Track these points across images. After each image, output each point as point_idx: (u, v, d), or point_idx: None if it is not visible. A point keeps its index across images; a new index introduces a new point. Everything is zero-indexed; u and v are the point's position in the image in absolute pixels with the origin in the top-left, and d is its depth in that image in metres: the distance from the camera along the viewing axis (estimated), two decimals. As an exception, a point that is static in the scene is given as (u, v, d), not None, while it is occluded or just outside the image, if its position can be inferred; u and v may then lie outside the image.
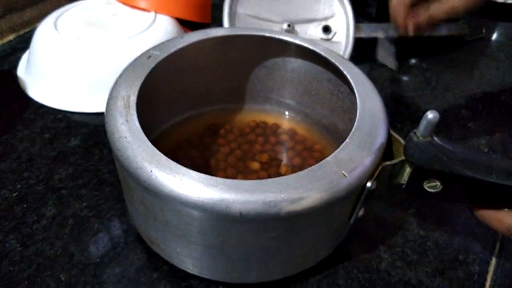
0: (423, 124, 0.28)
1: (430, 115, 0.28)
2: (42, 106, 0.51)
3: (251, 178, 0.39)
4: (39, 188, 0.42)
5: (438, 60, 0.66)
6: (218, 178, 0.26)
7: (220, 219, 0.26)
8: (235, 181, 0.26)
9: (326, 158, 0.28)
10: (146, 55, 0.35)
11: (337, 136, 0.42)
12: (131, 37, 0.51)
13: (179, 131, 0.44)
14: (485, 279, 0.37)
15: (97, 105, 0.51)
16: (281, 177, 0.26)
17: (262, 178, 0.34)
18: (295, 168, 0.40)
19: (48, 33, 0.51)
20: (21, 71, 0.56)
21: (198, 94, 0.44)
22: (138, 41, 0.51)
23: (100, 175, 0.43)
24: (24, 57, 0.58)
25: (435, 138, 0.29)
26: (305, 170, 0.27)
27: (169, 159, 0.27)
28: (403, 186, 0.32)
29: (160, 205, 0.27)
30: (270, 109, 0.46)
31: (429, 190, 0.30)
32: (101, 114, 0.50)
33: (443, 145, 0.29)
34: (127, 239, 0.38)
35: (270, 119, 0.46)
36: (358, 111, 0.31)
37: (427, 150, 0.29)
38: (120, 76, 0.33)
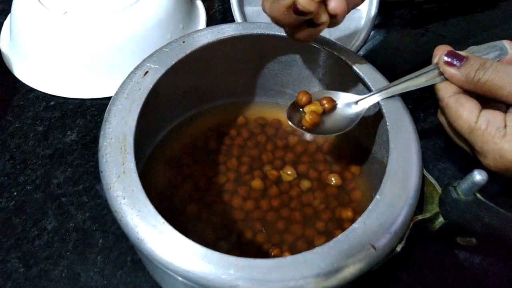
0: (467, 183, 0.24)
1: (478, 176, 0.24)
2: (31, 90, 0.46)
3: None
4: (37, 195, 0.39)
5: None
6: (230, 257, 0.23)
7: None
8: (249, 260, 0.23)
9: (353, 225, 0.24)
10: (143, 69, 0.30)
11: (357, 145, 0.38)
12: (123, 10, 0.44)
13: (183, 133, 0.39)
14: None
15: (92, 91, 0.46)
16: (301, 254, 0.23)
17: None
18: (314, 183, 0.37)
19: (29, 4, 0.44)
20: (4, 43, 0.50)
21: (203, 92, 0.38)
22: (130, 14, 0.44)
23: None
24: (6, 24, 0.51)
25: (478, 195, 0.25)
26: (330, 244, 0.23)
27: (173, 230, 0.23)
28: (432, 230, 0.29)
29: (167, 276, 0.25)
30: (284, 104, 0.41)
31: (462, 243, 0.27)
32: (97, 100, 0.46)
33: (487, 203, 0.25)
34: (135, 257, 0.36)
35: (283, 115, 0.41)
36: (390, 153, 0.27)
37: (467, 209, 0.25)
38: (113, 102, 0.28)
